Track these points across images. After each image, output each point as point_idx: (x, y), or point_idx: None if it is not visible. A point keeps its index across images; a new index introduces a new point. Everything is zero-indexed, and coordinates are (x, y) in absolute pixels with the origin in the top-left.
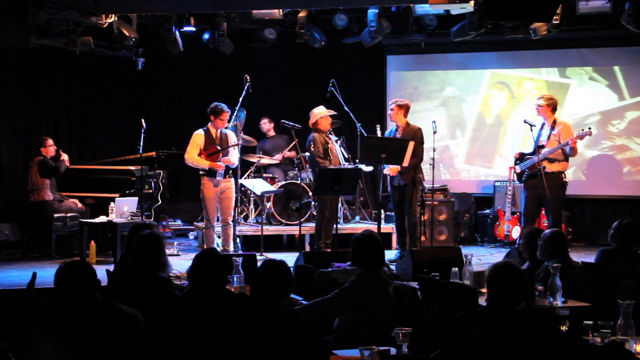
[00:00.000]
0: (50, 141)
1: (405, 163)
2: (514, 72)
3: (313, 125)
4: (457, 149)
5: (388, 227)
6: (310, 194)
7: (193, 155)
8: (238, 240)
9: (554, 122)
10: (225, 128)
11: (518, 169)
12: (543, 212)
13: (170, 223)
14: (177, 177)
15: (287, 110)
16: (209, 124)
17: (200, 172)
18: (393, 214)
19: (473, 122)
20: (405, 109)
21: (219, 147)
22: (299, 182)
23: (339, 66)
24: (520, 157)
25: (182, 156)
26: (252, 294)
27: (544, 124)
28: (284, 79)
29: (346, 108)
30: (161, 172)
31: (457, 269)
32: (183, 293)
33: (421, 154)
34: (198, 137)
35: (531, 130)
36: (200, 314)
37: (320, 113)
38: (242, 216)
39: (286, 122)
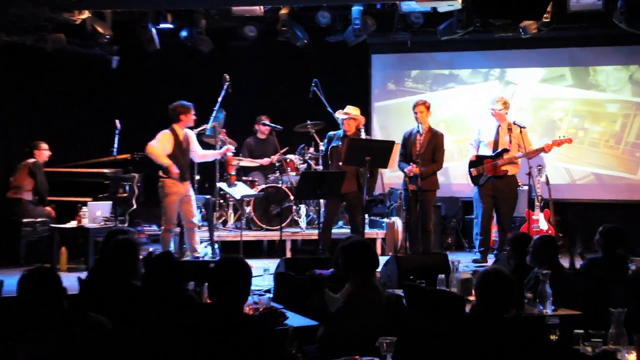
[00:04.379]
0: (44, 145)
1: (391, 165)
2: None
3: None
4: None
5: (372, 233)
6: (292, 197)
7: (158, 149)
8: (216, 246)
9: (510, 126)
10: (191, 128)
11: (475, 171)
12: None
13: (145, 228)
14: (152, 180)
15: (268, 111)
16: (175, 124)
17: (162, 175)
18: (379, 218)
19: (459, 124)
20: (429, 109)
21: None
22: (280, 185)
23: (322, 65)
24: (478, 160)
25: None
26: (209, 299)
27: (498, 127)
28: (265, 79)
29: (329, 109)
30: (136, 175)
31: (443, 275)
32: (137, 299)
33: (442, 160)
34: (166, 137)
35: (520, 132)
36: (153, 321)
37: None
38: (221, 221)
39: (266, 122)
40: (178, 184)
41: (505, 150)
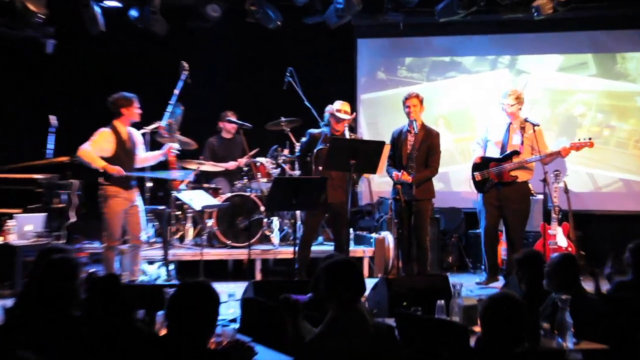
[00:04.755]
0: None
1: (381, 170)
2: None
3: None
4: (443, 153)
5: (358, 250)
6: (262, 208)
7: (90, 151)
8: (171, 266)
9: (523, 123)
10: (138, 126)
11: (479, 176)
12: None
13: (86, 246)
14: (95, 188)
15: (235, 106)
16: (116, 120)
17: (103, 182)
18: (367, 233)
19: (462, 120)
20: (422, 103)
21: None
22: (248, 194)
23: (298, 52)
24: (482, 163)
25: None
26: (168, 331)
27: (509, 125)
28: (230, 68)
29: (307, 103)
30: (75, 181)
31: (443, 301)
32: (76, 332)
33: (437, 165)
34: (105, 136)
35: (533, 131)
36: (96, 358)
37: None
38: (177, 237)
39: (232, 119)
40: (122, 191)
41: (516, 153)
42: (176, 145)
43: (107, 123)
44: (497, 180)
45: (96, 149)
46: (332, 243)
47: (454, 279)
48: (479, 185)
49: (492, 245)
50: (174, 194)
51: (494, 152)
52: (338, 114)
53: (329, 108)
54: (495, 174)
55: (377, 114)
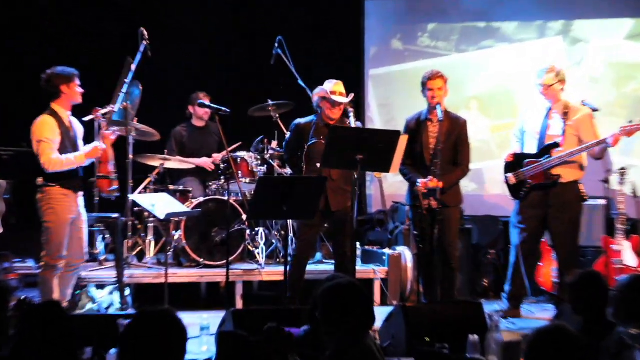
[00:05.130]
0: None
1: (395, 169)
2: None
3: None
4: (475, 145)
5: (367, 270)
6: (244, 217)
7: (57, 157)
8: (127, 291)
9: (566, 107)
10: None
11: (513, 178)
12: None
13: (16, 265)
14: (29, 191)
15: (209, 86)
16: (54, 102)
17: (45, 182)
18: (378, 249)
19: (500, 103)
20: (446, 83)
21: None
22: (226, 198)
23: (290, 16)
24: (516, 162)
25: (37, 158)
26: None
27: (549, 110)
28: (203, 37)
29: (301, 82)
30: (2, 182)
31: (476, 336)
32: None
33: (468, 162)
34: (48, 126)
35: (583, 116)
36: None
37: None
38: (134, 253)
39: (206, 102)
40: (71, 194)
41: (554, 146)
42: (110, 132)
43: (40, 108)
44: (536, 182)
45: (55, 145)
46: (333, 261)
47: (490, 307)
48: (514, 190)
49: (522, 266)
50: (133, 197)
51: (533, 146)
52: (333, 97)
53: (319, 90)
54: (532, 174)
55: (391, 94)
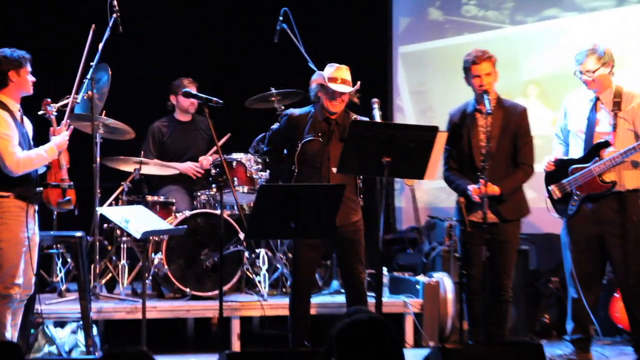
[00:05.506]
0: None
1: (431, 175)
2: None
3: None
4: (534, 141)
5: (396, 303)
6: (242, 236)
7: (26, 155)
8: (95, 330)
9: (618, 95)
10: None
11: (557, 191)
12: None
13: None
14: None
15: (194, 71)
16: (2, 89)
17: (3, 194)
18: (410, 275)
19: (566, 88)
20: (495, 65)
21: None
22: (218, 212)
23: None
24: (559, 170)
25: None
26: None
27: (596, 101)
28: (187, 9)
29: (311, 64)
30: None
31: None
32: None
33: (532, 161)
34: (2, 119)
35: None
36: None
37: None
38: (102, 282)
39: (192, 91)
40: (29, 207)
41: (604, 145)
42: (62, 130)
43: None
44: (585, 192)
45: (16, 142)
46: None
47: (552, 350)
48: (558, 205)
49: (583, 298)
50: (101, 210)
51: (578, 148)
52: (332, 85)
53: (316, 76)
54: (580, 183)
55: (428, 78)
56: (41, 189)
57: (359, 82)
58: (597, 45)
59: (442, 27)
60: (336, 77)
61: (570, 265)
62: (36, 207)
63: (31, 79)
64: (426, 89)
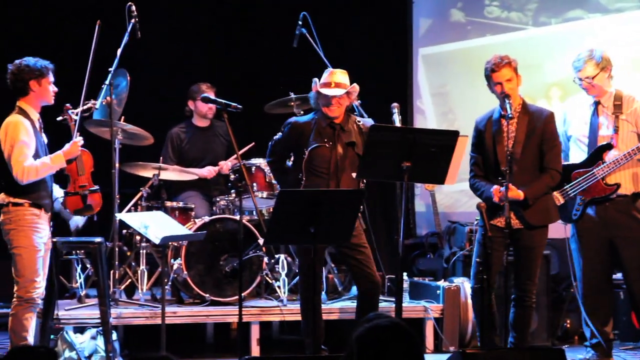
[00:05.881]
0: None
1: (451, 179)
2: None
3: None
4: None
5: (417, 308)
6: (261, 241)
7: (30, 164)
8: (114, 336)
9: (618, 98)
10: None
11: (560, 197)
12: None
13: None
14: None
15: (214, 77)
16: (22, 99)
17: (13, 200)
18: (430, 281)
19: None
20: (517, 71)
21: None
22: (237, 217)
23: None
24: (563, 176)
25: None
26: None
27: (597, 105)
28: (206, 15)
29: (332, 69)
30: None
31: None
32: None
33: (560, 165)
34: (23, 127)
35: None
36: None
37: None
38: (122, 287)
39: (210, 97)
40: (43, 215)
41: (607, 147)
42: (80, 140)
43: (6, 108)
44: (589, 196)
45: (32, 152)
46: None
47: (574, 355)
48: (564, 212)
49: (601, 304)
50: (120, 216)
51: (580, 154)
52: (323, 90)
53: (314, 84)
54: (583, 188)
55: (449, 80)
56: (60, 197)
57: (354, 84)
58: (594, 50)
59: (464, 28)
60: (330, 81)
61: (580, 272)
62: (50, 214)
63: (53, 89)
64: (447, 91)
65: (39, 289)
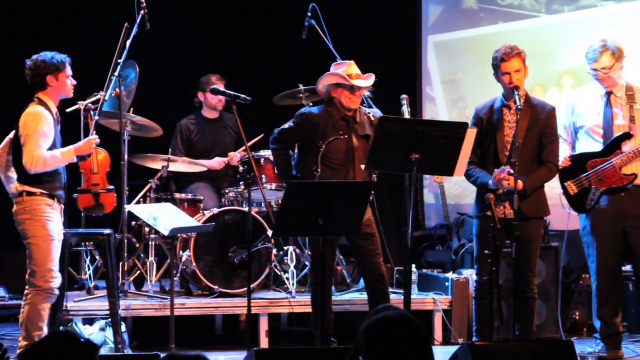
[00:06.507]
0: None
1: (459, 172)
2: None
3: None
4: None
5: (425, 300)
6: (269, 233)
7: (40, 154)
8: (123, 327)
9: (630, 89)
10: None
11: (574, 186)
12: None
13: None
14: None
15: (223, 68)
16: (40, 92)
17: (28, 189)
18: (439, 272)
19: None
20: (525, 61)
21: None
22: (246, 209)
23: None
24: (578, 165)
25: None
26: None
27: (609, 96)
28: (214, 6)
29: (340, 61)
30: None
31: None
32: None
33: (557, 159)
34: (44, 118)
35: None
36: None
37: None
38: (131, 279)
39: (220, 88)
40: (56, 205)
41: (626, 137)
42: (95, 138)
43: (22, 96)
44: (605, 186)
45: (44, 142)
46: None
47: (583, 347)
48: (576, 202)
49: (614, 296)
50: (129, 208)
51: (592, 145)
52: (354, 82)
53: (329, 77)
54: (600, 177)
55: (460, 68)
56: (75, 195)
57: (372, 75)
58: (607, 40)
59: (477, 15)
60: (351, 73)
61: (594, 264)
62: (63, 207)
63: (71, 82)
64: (458, 79)
65: (57, 278)
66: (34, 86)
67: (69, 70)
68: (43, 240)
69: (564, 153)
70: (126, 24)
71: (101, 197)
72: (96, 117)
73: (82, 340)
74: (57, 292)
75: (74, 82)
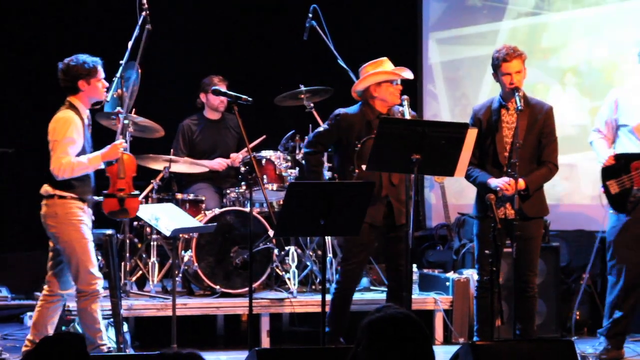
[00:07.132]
0: None
1: (460, 172)
2: None
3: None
4: (571, 131)
5: (426, 299)
6: (271, 233)
7: (68, 161)
8: (125, 327)
9: None
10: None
11: (616, 186)
12: None
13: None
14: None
15: (224, 69)
16: (72, 96)
17: (59, 192)
18: (440, 273)
19: (606, 77)
20: (525, 62)
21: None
22: (247, 209)
23: None
24: (621, 165)
25: (12, 160)
26: None
27: None
28: (217, 7)
29: (341, 62)
30: None
31: None
32: None
33: (555, 158)
34: (74, 124)
35: None
36: None
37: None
38: (133, 279)
39: (221, 89)
40: (86, 210)
41: None
42: (123, 142)
43: (48, 99)
44: None
45: (72, 148)
46: (383, 288)
47: (583, 346)
48: (616, 201)
49: (636, 292)
50: None
51: (633, 145)
52: (404, 73)
53: (368, 75)
54: None
55: (463, 65)
56: (101, 198)
57: (375, 68)
58: None
59: (480, 12)
60: (387, 69)
61: (624, 268)
62: (91, 211)
63: (103, 84)
64: (461, 76)
65: (100, 279)
66: (66, 90)
67: (100, 74)
68: (80, 244)
69: (603, 149)
70: (149, 26)
71: (126, 202)
72: (124, 121)
73: (67, 336)
74: (102, 292)
75: (106, 84)
